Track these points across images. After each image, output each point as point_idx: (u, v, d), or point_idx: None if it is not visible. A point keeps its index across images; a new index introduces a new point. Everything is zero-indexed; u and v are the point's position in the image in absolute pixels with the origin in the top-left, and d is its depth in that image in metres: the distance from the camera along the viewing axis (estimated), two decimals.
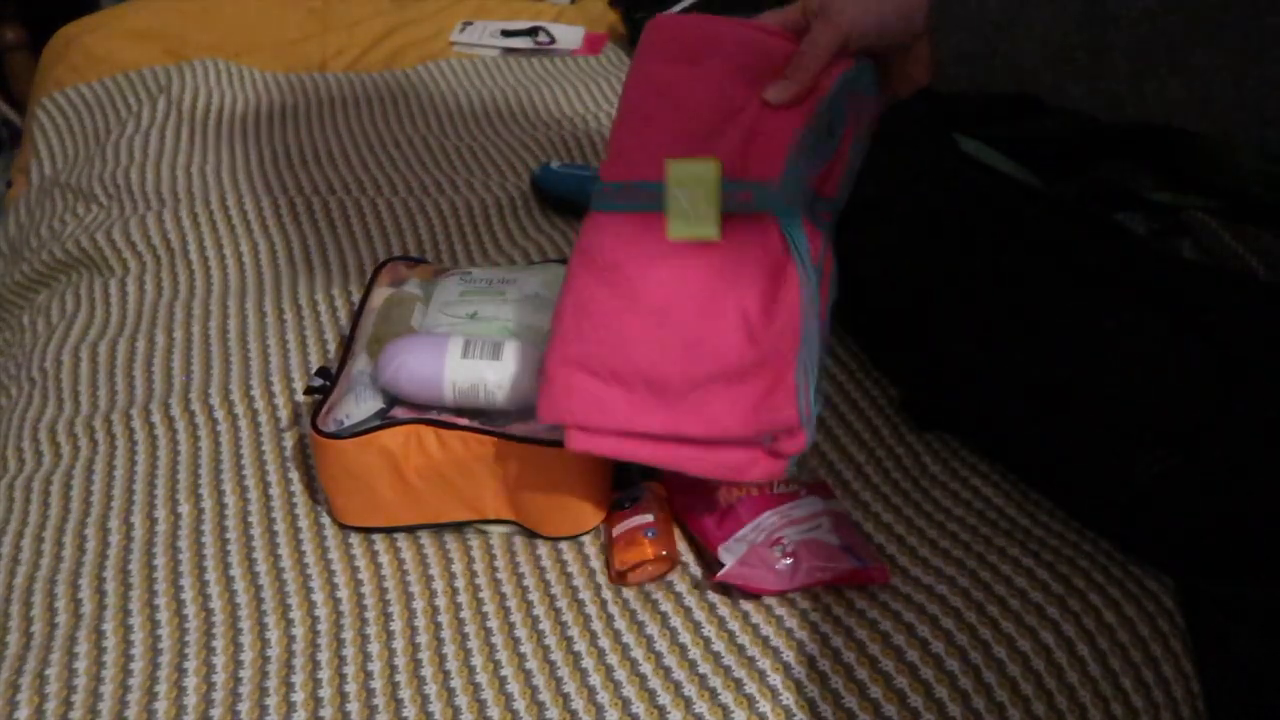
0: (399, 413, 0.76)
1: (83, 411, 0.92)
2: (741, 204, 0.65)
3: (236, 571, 0.76)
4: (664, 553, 0.75)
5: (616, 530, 0.76)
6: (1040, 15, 0.62)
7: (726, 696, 0.67)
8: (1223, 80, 0.56)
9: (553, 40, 1.61)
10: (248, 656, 0.71)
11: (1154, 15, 0.57)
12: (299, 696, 0.68)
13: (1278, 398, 0.68)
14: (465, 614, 0.74)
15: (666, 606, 0.74)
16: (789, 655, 0.70)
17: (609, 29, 1.67)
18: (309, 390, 0.80)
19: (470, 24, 1.65)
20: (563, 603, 0.74)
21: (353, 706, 0.68)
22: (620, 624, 0.73)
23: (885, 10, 0.68)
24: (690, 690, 0.68)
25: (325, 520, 0.80)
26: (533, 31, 1.62)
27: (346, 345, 0.83)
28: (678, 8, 1.50)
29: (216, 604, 0.74)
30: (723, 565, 0.73)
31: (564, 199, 1.18)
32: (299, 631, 0.73)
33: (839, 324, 0.97)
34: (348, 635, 0.72)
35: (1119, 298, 0.74)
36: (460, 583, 0.76)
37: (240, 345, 0.97)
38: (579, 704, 0.68)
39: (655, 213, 0.66)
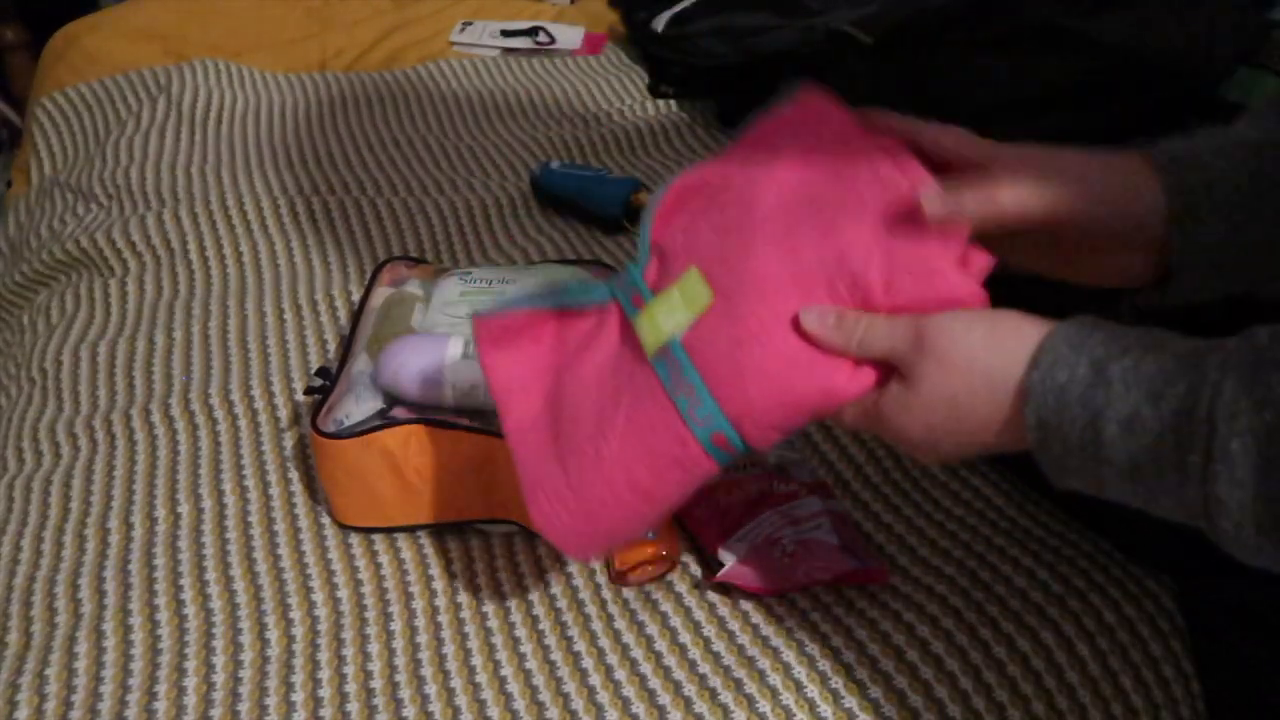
0: (399, 413, 0.76)
1: (83, 411, 0.92)
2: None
3: (236, 571, 0.76)
4: (664, 553, 0.75)
5: None
6: None
7: (726, 696, 0.67)
8: None
9: (553, 40, 1.61)
10: (248, 656, 0.71)
11: None
12: (299, 696, 0.68)
13: None
14: (465, 614, 0.74)
15: (666, 606, 0.74)
16: (789, 655, 0.70)
17: (609, 29, 1.67)
18: (309, 390, 0.80)
19: (470, 24, 1.65)
20: (563, 603, 0.74)
21: (353, 706, 0.68)
22: (620, 624, 0.73)
23: (1085, 194, 0.55)
24: (690, 690, 0.68)
25: (325, 520, 0.80)
26: (533, 31, 1.62)
27: (346, 345, 0.83)
28: (677, 8, 1.50)
29: (216, 604, 0.74)
30: (723, 565, 0.73)
31: (564, 199, 1.18)
32: (299, 631, 0.72)
33: None
34: (348, 635, 0.72)
35: (1117, 297, 0.74)
36: (460, 583, 0.76)
37: (240, 345, 0.97)
38: (579, 704, 0.68)
39: None
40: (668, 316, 0.60)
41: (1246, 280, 0.60)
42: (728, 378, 0.58)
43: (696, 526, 0.77)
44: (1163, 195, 0.56)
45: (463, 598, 0.75)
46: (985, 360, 0.51)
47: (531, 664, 0.70)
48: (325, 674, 0.70)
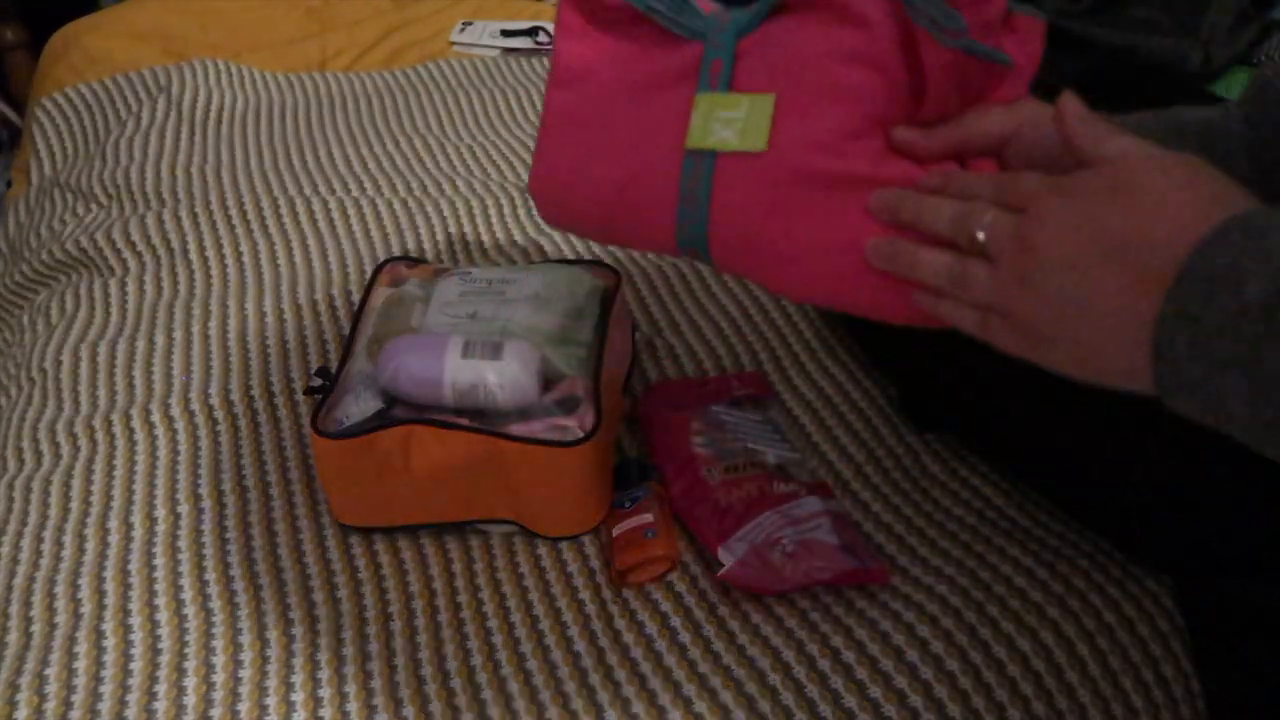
0: (399, 413, 0.76)
1: (83, 411, 0.92)
2: None
3: (236, 571, 0.76)
4: (664, 553, 0.75)
5: (616, 530, 0.76)
6: None
7: (726, 696, 0.67)
8: None
9: (552, 40, 1.61)
10: (247, 656, 0.71)
11: None
12: (299, 696, 0.68)
13: None
14: (465, 614, 0.74)
15: (666, 606, 0.74)
16: (789, 655, 0.70)
17: None
18: (309, 390, 0.80)
19: (470, 24, 1.65)
20: (563, 603, 0.74)
21: (352, 707, 0.68)
22: (620, 624, 0.73)
23: (1035, 117, 0.59)
24: (690, 690, 0.68)
25: (325, 520, 0.80)
26: (533, 31, 1.62)
27: (346, 345, 0.83)
28: None
29: (216, 604, 0.74)
30: (723, 565, 0.73)
31: None
32: (299, 631, 0.73)
33: (838, 324, 0.97)
34: (348, 635, 0.72)
35: None
36: (460, 583, 0.76)
37: (240, 345, 0.97)
38: (579, 704, 0.68)
39: None
40: (724, 126, 0.58)
41: None
42: (734, 232, 0.59)
43: (696, 526, 0.77)
44: None
45: (463, 598, 0.75)
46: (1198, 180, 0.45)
47: (531, 664, 0.70)
48: (325, 674, 0.70)
